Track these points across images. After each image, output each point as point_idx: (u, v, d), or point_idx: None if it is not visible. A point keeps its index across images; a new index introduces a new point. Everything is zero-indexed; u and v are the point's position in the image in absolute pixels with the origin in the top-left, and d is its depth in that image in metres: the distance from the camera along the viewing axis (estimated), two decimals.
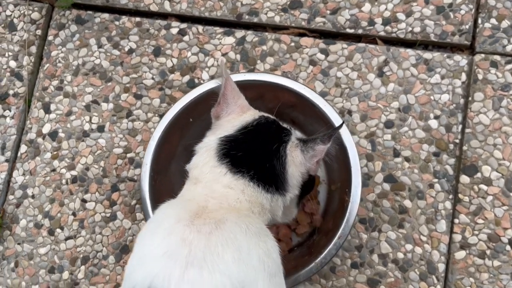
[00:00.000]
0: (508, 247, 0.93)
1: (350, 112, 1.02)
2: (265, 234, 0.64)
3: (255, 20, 1.09)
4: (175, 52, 1.10)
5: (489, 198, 0.95)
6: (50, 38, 1.14)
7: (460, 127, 0.99)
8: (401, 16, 1.05)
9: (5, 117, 1.12)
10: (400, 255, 0.96)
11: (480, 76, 1.00)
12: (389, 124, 1.01)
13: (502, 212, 0.94)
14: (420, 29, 1.04)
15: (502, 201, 0.95)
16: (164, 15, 1.14)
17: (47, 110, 1.11)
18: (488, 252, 0.93)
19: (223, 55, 1.08)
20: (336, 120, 0.88)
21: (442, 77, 1.01)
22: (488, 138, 0.97)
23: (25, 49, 1.14)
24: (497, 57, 1.00)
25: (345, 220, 0.85)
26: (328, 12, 1.07)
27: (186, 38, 1.10)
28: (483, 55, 1.01)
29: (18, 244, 1.04)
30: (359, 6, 1.07)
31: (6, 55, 1.15)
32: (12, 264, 1.03)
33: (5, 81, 1.14)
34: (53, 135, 1.09)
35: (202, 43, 1.10)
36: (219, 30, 1.10)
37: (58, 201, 1.05)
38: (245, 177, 0.67)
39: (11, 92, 1.13)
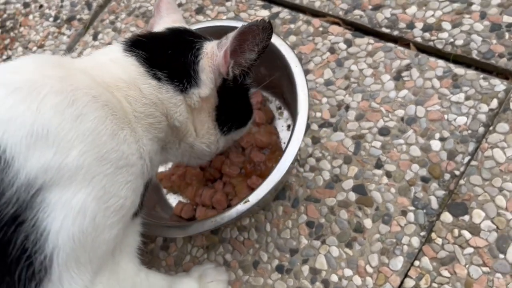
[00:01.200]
0: None
1: (347, 108, 0.89)
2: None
3: (297, 1, 1.05)
4: (213, 13, 1.12)
5: (469, 250, 0.71)
6: None
7: (467, 158, 0.78)
8: (446, 25, 0.90)
9: (64, 35, 1.26)
10: (334, 278, 0.77)
11: None
12: (384, 131, 0.85)
13: (479, 274, 0.70)
14: (462, 43, 0.87)
15: (485, 260, 0.70)
16: None
17: (95, 38, 1.22)
18: None
19: None
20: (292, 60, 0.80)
21: (467, 98, 0.82)
22: (496, 178, 0.75)
23: None
24: None
25: (263, 186, 0.72)
26: (370, 7, 0.98)
27: (228, 3, 1.12)
28: None
29: None
30: (404, 7, 0.95)
31: None
32: None
33: (78, 7, 1.30)
34: None
35: (240, 10, 1.10)
36: (259, 2, 1.09)
37: None
38: (135, 56, 0.63)
39: (78, 16, 1.28)
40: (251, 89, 0.72)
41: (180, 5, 1.16)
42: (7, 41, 1.33)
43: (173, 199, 0.93)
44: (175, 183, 0.90)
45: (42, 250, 0.51)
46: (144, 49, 0.64)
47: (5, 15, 1.38)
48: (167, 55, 0.65)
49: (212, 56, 0.64)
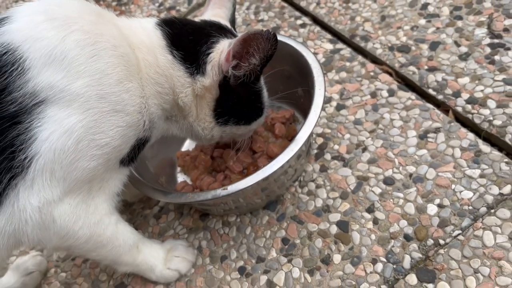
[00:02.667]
0: None
1: (364, 149, 0.90)
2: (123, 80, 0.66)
3: (362, 44, 1.09)
4: (286, 34, 1.19)
5: None
6: None
7: (457, 232, 0.75)
8: (491, 103, 0.88)
9: None
10: None
11: None
12: (388, 181, 0.84)
13: None
14: (500, 124, 0.84)
15: None
16: (304, 11, 1.25)
17: None
18: None
19: (314, 53, 1.11)
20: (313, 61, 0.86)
21: (482, 176, 0.79)
22: (475, 259, 0.70)
23: None
24: None
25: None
26: (426, 67, 0.98)
27: (302, 30, 1.19)
28: None
29: None
30: (458, 76, 0.94)
31: None
32: None
33: (182, 0, 1.46)
34: None
35: (309, 38, 1.16)
36: (328, 36, 1.15)
37: None
38: (161, 31, 0.72)
39: (177, 8, 1.44)
40: (263, 93, 0.77)
41: (261, 20, 1.26)
42: (117, 12, 1.52)
43: (181, 178, 0.99)
44: (187, 162, 0.96)
45: (25, 151, 0.60)
46: (172, 28, 0.73)
47: None
48: (187, 40, 0.72)
49: (221, 52, 0.70)
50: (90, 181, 0.67)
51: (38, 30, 0.62)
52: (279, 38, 0.92)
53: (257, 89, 0.75)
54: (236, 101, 0.75)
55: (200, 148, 0.97)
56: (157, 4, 1.49)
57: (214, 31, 0.74)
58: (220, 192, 0.76)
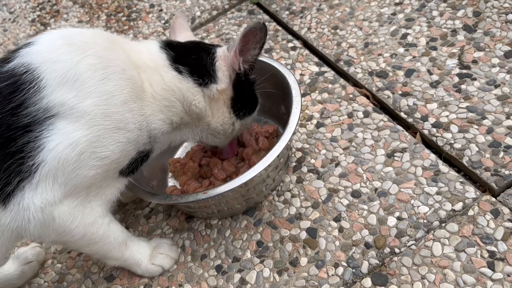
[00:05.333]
0: None
1: (337, 164, 0.99)
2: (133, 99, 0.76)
3: (345, 68, 1.19)
4: (277, 56, 1.29)
5: None
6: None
7: (411, 242, 0.83)
8: (454, 128, 0.96)
9: (164, 35, 1.53)
10: None
11: (471, 213, 0.82)
12: (355, 194, 0.93)
13: None
14: (460, 147, 0.93)
15: None
16: (296, 35, 1.35)
17: None
18: None
19: (301, 75, 1.21)
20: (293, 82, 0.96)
21: (438, 193, 0.88)
22: (423, 267, 0.79)
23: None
24: (506, 210, 0.81)
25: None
26: (400, 92, 1.07)
27: (292, 52, 1.29)
28: (494, 200, 0.83)
29: None
30: (427, 101, 1.03)
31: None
32: None
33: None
34: None
35: (297, 60, 1.26)
36: (315, 59, 1.24)
37: None
38: (165, 53, 0.83)
39: None
40: (256, 82, 0.90)
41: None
42: (125, 27, 1.64)
43: (171, 183, 1.09)
44: (177, 168, 1.06)
45: (33, 158, 0.70)
46: (173, 49, 0.84)
47: (134, 8, 1.71)
48: (189, 57, 0.84)
49: (225, 58, 0.83)
50: (88, 187, 0.76)
51: (57, 53, 0.72)
52: (266, 60, 1.03)
53: (252, 79, 0.88)
54: (246, 94, 0.88)
55: (190, 156, 1.06)
56: (163, 22, 1.60)
57: (206, 45, 0.86)
58: (201, 196, 0.85)
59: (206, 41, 1.44)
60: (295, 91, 0.95)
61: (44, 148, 0.70)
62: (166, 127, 0.83)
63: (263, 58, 1.02)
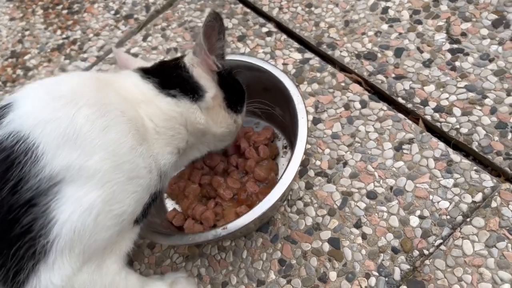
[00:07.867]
0: None
1: (345, 164, 0.95)
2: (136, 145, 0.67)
3: (329, 52, 1.12)
4: (253, 44, 1.20)
5: None
6: None
7: (439, 241, 0.83)
8: (456, 111, 0.95)
9: (119, 29, 1.38)
10: None
11: (494, 204, 0.83)
12: (371, 195, 0.90)
13: None
14: (467, 131, 0.92)
15: None
16: (268, 17, 1.26)
17: (145, 39, 1.33)
18: None
19: (284, 64, 1.14)
20: (295, 94, 0.89)
21: (455, 185, 0.87)
22: (458, 268, 0.79)
23: None
24: None
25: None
26: (393, 75, 1.03)
27: (268, 38, 1.20)
28: None
29: None
30: (424, 84, 1.00)
31: None
32: None
33: (138, 7, 1.42)
34: (135, 56, 1.30)
35: (276, 48, 1.17)
36: (295, 44, 1.17)
37: None
38: (151, 82, 0.75)
39: (135, 16, 1.40)
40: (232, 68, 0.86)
41: (226, 29, 1.25)
42: (70, 22, 1.46)
43: (170, 205, 1.01)
44: (174, 191, 0.98)
45: (47, 235, 0.60)
46: (154, 75, 0.78)
47: None
48: (172, 78, 0.78)
49: (198, 63, 0.79)
50: (105, 247, 0.69)
51: (47, 112, 0.61)
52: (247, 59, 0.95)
53: (228, 68, 0.84)
54: (234, 86, 0.85)
55: (188, 176, 0.98)
56: (112, 12, 1.43)
57: (171, 61, 0.83)
58: (221, 232, 0.79)
59: (168, 31, 1.31)
60: (296, 97, 0.88)
61: (57, 222, 0.61)
62: (174, 157, 0.77)
63: (246, 58, 0.95)
